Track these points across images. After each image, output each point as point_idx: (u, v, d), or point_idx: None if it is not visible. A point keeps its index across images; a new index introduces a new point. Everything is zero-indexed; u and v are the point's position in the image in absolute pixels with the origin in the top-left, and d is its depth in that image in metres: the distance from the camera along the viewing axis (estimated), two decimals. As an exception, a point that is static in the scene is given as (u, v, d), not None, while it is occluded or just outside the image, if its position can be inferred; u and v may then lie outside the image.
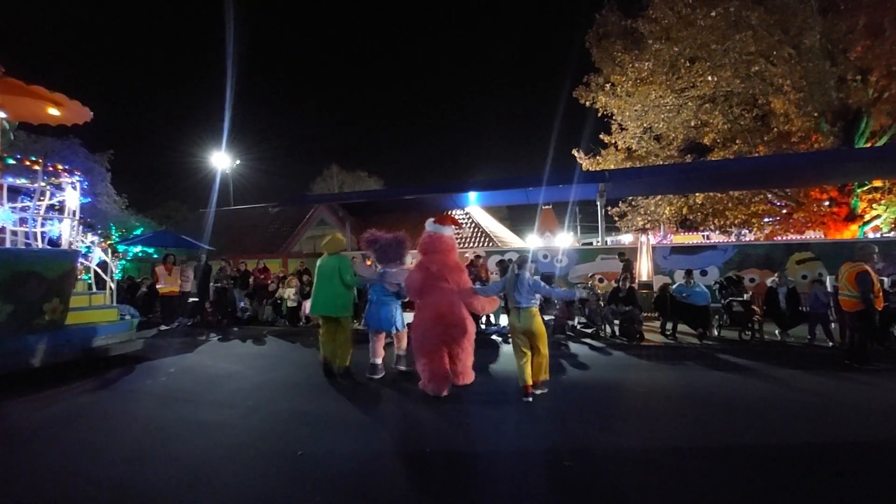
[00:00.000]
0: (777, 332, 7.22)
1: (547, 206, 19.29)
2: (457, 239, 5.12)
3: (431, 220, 4.93)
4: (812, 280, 7.86)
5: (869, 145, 11.87)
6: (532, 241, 18.32)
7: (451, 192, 12.46)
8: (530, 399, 4.08)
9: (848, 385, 4.62)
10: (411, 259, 5.73)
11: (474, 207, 16.99)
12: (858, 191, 12.24)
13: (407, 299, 5.28)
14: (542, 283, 4.51)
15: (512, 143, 78.42)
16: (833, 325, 6.83)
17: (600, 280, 9.60)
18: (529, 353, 4.24)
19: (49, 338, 4.96)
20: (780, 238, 13.65)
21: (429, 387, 4.27)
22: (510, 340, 4.60)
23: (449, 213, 14.69)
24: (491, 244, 15.99)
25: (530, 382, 4.15)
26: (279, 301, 9.69)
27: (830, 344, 6.58)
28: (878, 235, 12.38)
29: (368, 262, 6.68)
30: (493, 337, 7.64)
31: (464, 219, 17.22)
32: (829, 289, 6.87)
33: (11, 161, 5.47)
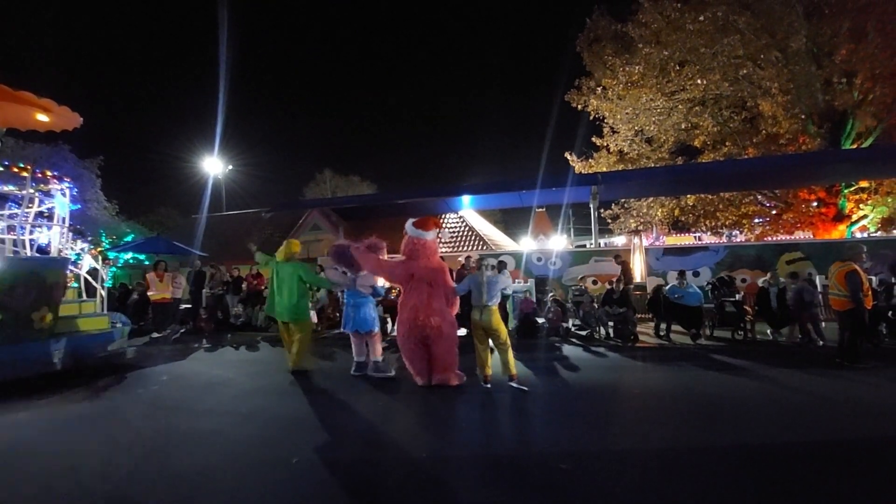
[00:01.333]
0: (769, 331, 7.30)
1: (540, 209, 19.40)
2: (440, 241, 5.26)
3: (411, 221, 4.94)
4: (801, 280, 7.96)
5: (855, 146, 12.08)
6: (526, 244, 18.38)
7: (445, 196, 12.49)
8: (488, 386, 4.53)
9: (839, 383, 4.67)
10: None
11: (468, 210, 17.03)
12: (846, 191, 12.45)
13: (381, 297, 5.86)
14: (506, 282, 4.88)
15: (505, 147, 78.76)
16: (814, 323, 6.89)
17: (594, 282, 9.65)
18: (488, 346, 4.73)
19: (38, 347, 4.88)
20: (770, 239, 13.83)
21: (415, 378, 4.77)
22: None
23: (439, 217, 14.71)
24: (485, 247, 16.01)
25: (489, 372, 4.64)
26: (273, 307, 9.61)
27: (821, 343, 6.66)
28: (865, 235, 12.59)
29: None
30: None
31: (457, 222, 17.24)
32: (818, 288, 6.96)
33: (-1, 168, 5.42)
